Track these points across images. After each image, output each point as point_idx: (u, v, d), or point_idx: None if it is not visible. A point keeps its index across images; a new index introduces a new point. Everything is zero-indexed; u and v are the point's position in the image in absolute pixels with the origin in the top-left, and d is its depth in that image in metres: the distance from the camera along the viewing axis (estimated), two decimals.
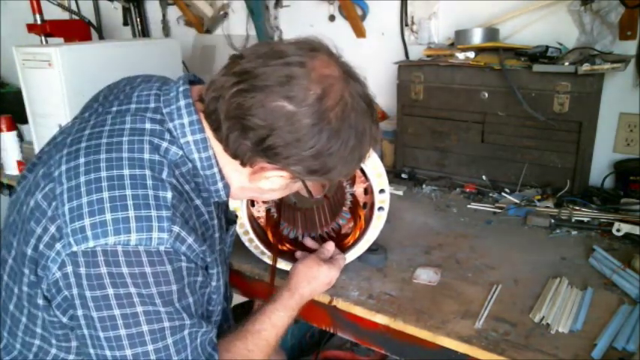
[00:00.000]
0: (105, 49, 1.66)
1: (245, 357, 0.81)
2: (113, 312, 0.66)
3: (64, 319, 0.71)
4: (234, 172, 0.78)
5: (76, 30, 2.17)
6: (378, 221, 1.04)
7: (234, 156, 0.73)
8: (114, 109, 0.77)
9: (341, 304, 0.98)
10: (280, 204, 1.14)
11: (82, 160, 0.69)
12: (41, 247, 0.68)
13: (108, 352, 0.67)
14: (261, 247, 1.06)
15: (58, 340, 0.75)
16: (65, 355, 0.76)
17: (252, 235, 1.04)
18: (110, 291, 0.65)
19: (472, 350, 0.84)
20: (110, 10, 2.53)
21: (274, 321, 0.87)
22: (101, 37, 2.56)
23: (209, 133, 0.74)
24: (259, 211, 1.10)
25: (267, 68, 0.68)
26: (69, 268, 0.66)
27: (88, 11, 2.49)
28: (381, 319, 0.93)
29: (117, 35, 2.57)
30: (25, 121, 1.70)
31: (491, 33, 1.53)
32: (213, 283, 0.80)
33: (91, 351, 0.68)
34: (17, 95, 1.79)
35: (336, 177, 0.77)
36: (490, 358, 0.82)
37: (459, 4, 1.63)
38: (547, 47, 1.34)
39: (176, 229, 0.67)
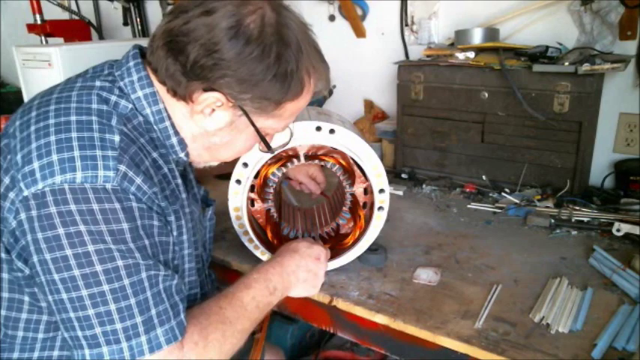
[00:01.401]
0: (105, 49, 1.66)
1: (216, 313, 0.79)
2: (65, 252, 0.66)
3: (27, 271, 0.72)
4: (183, 119, 0.80)
5: (76, 30, 2.17)
6: (378, 221, 1.04)
7: (174, 92, 0.75)
8: (71, 79, 0.80)
9: (341, 304, 0.98)
10: (280, 204, 1.14)
11: (33, 113, 0.72)
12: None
13: (64, 295, 0.66)
14: (261, 247, 1.06)
15: (31, 297, 0.75)
16: (38, 316, 0.76)
17: (252, 235, 1.04)
18: (60, 230, 0.65)
19: (472, 350, 0.84)
20: (110, 10, 2.53)
21: (248, 283, 0.85)
22: (101, 37, 2.56)
23: (157, 87, 0.77)
24: (259, 207, 1.10)
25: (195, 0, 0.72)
26: (22, 215, 0.67)
27: (88, 11, 2.49)
28: (381, 319, 0.93)
29: (117, 35, 2.58)
30: None
31: (491, 33, 1.53)
32: (175, 233, 0.79)
33: (49, 298, 0.68)
34: (17, 95, 1.80)
35: (273, 96, 0.75)
36: (490, 358, 0.82)
37: (459, 4, 1.63)
38: (547, 47, 1.34)
39: (122, 167, 0.68)
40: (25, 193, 0.66)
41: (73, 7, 2.42)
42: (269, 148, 0.85)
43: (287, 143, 0.93)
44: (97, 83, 0.76)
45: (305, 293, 0.95)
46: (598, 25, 1.39)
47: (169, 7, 0.78)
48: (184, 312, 0.74)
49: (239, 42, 0.70)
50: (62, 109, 0.71)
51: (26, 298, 0.75)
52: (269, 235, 1.10)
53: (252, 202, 1.08)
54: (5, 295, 0.75)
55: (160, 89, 0.78)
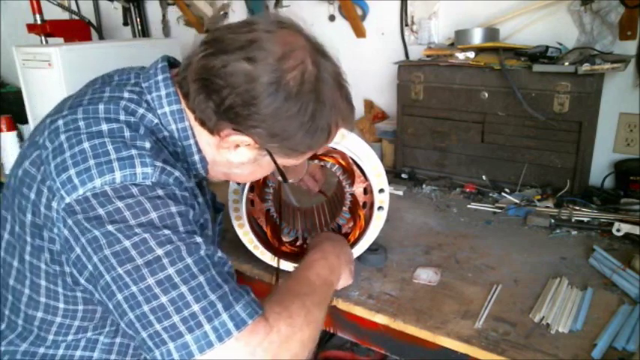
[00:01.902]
0: (105, 49, 1.66)
1: (288, 291, 0.78)
2: (124, 244, 0.65)
3: (82, 280, 0.70)
4: (206, 145, 0.80)
5: (76, 30, 2.17)
6: (378, 221, 1.04)
7: (202, 122, 0.75)
8: (97, 86, 0.80)
9: (341, 304, 0.98)
10: (280, 204, 1.14)
11: (60, 122, 0.72)
12: (42, 209, 0.69)
13: (133, 288, 0.64)
14: (261, 248, 1.06)
15: (66, 302, 0.75)
16: (70, 321, 0.77)
17: (251, 235, 1.04)
18: (111, 227, 0.65)
19: (472, 350, 0.84)
20: (110, 10, 2.53)
21: (308, 263, 0.89)
22: (101, 37, 2.56)
23: (185, 105, 0.77)
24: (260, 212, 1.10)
25: (235, 35, 0.72)
26: (69, 221, 0.66)
27: (88, 11, 2.49)
28: (381, 319, 0.93)
29: (117, 35, 2.58)
30: (25, 121, 1.71)
31: (491, 33, 1.53)
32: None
33: (119, 297, 0.64)
34: (17, 95, 1.80)
35: (300, 148, 0.77)
36: (490, 358, 0.82)
37: (459, 4, 1.63)
38: (547, 47, 1.34)
39: (159, 164, 0.69)
40: (67, 200, 0.66)
41: (73, 7, 2.43)
42: (285, 180, 0.87)
43: (303, 174, 0.98)
44: (125, 94, 0.75)
45: (347, 279, 0.97)
46: (598, 25, 1.39)
47: (206, 35, 0.76)
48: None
49: (278, 99, 0.70)
50: (91, 118, 0.71)
51: (61, 305, 0.76)
52: (269, 235, 1.10)
53: (251, 202, 1.08)
54: (43, 300, 0.76)
55: (186, 107, 0.77)
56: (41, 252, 0.72)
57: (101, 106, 0.73)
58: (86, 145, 0.68)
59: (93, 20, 2.47)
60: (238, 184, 1.01)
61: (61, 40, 2.10)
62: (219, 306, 0.64)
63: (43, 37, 2.03)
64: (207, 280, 0.65)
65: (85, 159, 0.67)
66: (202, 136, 0.79)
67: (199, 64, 0.72)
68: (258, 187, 1.06)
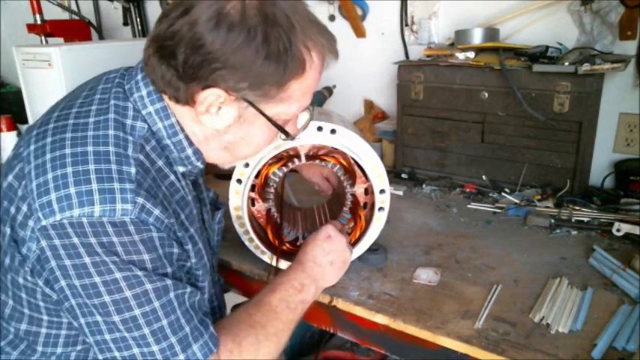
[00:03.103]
0: (105, 49, 1.66)
1: (246, 320, 0.80)
2: (94, 279, 0.67)
3: (54, 296, 0.72)
4: (193, 124, 0.78)
5: (76, 30, 2.17)
6: (378, 221, 1.04)
7: (176, 98, 0.74)
8: (84, 93, 0.79)
9: (341, 304, 0.98)
10: (281, 204, 1.14)
11: (49, 139, 0.71)
12: (17, 226, 0.70)
13: (99, 318, 0.69)
14: (262, 247, 1.06)
15: (49, 315, 0.76)
16: (57, 331, 0.77)
17: (252, 234, 1.04)
18: (86, 259, 0.66)
19: (472, 350, 0.84)
20: (110, 10, 2.53)
21: (273, 287, 0.87)
22: (101, 37, 2.56)
23: (168, 101, 0.76)
24: (260, 211, 1.10)
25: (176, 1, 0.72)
26: (43, 242, 0.67)
27: (88, 11, 2.49)
28: (381, 319, 0.93)
29: (117, 35, 2.57)
30: (25, 121, 1.71)
31: (491, 33, 1.53)
32: (193, 260, 0.81)
33: (82, 321, 0.70)
34: (17, 95, 1.80)
35: (272, 80, 0.71)
36: (490, 358, 0.82)
37: (459, 4, 1.63)
38: (547, 47, 1.34)
39: (140, 200, 0.68)
40: (44, 222, 0.66)
41: (73, 7, 2.42)
42: (287, 135, 0.82)
43: (307, 124, 0.88)
44: (112, 102, 0.75)
45: (338, 276, 0.96)
46: (598, 25, 1.39)
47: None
48: (212, 325, 0.76)
49: (221, 31, 0.67)
50: (79, 137, 0.70)
51: (45, 317, 0.76)
52: (269, 234, 1.10)
53: (252, 201, 1.08)
54: (26, 312, 0.77)
55: (169, 102, 0.77)
56: (20, 266, 0.72)
57: (91, 120, 0.72)
58: (69, 169, 0.67)
59: (93, 20, 2.47)
60: (239, 181, 1.00)
61: (61, 40, 2.10)
62: (178, 348, 0.71)
63: (43, 37, 2.03)
64: (169, 323, 0.71)
65: (66, 184, 0.66)
66: (185, 118, 0.78)
67: (150, 37, 0.73)
68: (260, 186, 1.06)
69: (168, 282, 0.71)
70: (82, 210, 0.65)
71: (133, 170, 0.69)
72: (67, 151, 0.69)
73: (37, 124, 0.76)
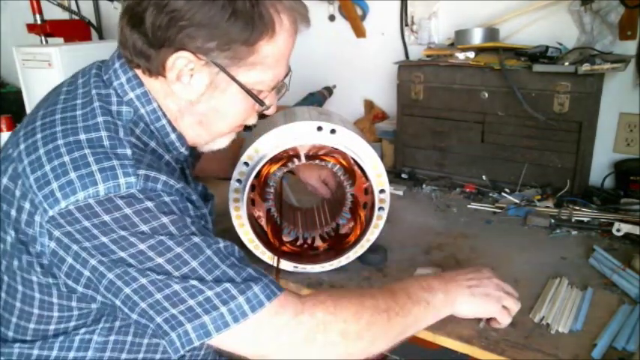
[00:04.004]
0: (105, 49, 1.66)
1: (355, 291, 0.76)
2: (119, 254, 0.65)
3: (80, 288, 0.70)
4: (168, 99, 0.77)
5: (76, 30, 2.17)
6: (378, 221, 1.04)
7: (149, 71, 0.74)
8: (64, 89, 0.79)
9: None
10: (281, 204, 1.14)
11: (39, 135, 0.70)
12: (22, 227, 0.68)
13: (143, 280, 0.65)
14: (262, 247, 1.06)
15: (60, 310, 0.74)
16: (65, 325, 0.76)
17: (252, 235, 1.04)
18: (104, 239, 0.65)
19: (472, 350, 0.84)
20: (110, 10, 2.52)
21: (400, 280, 0.82)
22: (101, 37, 2.56)
23: (142, 76, 0.76)
24: (259, 211, 1.10)
25: None
26: (56, 233, 0.66)
27: (88, 11, 2.49)
28: None
29: (117, 35, 2.57)
30: None
31: (491, 33, 1.53)
32: (210, 226, 0.80)
33: (127, 290, 0.66)
34: (17, 95, 1.80)
35: (240, 38, 0.70)
36: (490, 358, 0.82)
37: (459, 4, 1.63)
38: (547, 47, 1.34)
39: (142, 172, 0.67)
40: (51, 213, 0.65)
41: (73, 7, 2.42)
42: (262, 104, 0.79)
43: (282, 95, 0.85)
44: (94, 91, 0.75)
45: (473, 307, 0.84)
46: (598, 25, 1.39)
47: None
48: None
49: None
50: (69, 129, 0.70)
51: (55, 314, 0.75)
52: (269, 235, 1.10)
53: (252, 201, 1.08)
54: (36, 311, 0.75)
55: (146, 81, 0.76)
56: (31, 267, 0.71)
57: (78, 113, 0.72)
58: (66, 158, 0.66)
59: (93, 20, 2.47)
60: (239, 181, 1.00)
61: (61, 40, 2.10)
62: (234, 291, 0.67)
63: (43, 37, 2.03)
64: (215, 278, 0.67)
65: (65, 172, 0.65)
66: (159, 91, 0.76)
67: (123, 9, 0.73)
68: (259, 186, 1.06)
69: (197, 239, 0.68)
70: (87, 192, 0.64)
71: (128, 152, 0.69)
72: (60, 142, 0.68)
73: (23, 125, 0.75)
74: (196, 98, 0.76)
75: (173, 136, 0.79)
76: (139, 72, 0.76)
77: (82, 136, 0.69)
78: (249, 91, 0.76)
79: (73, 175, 0.65)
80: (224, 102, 0.77)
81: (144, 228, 0.66)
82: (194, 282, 0.66)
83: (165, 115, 0.78)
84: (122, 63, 0.77)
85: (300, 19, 0.76)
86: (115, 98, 0.75)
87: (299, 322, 0.69)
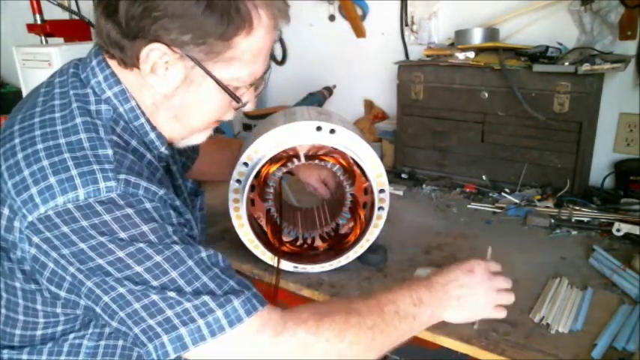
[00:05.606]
0: None
1: (341, 304, 0.73)
2: (97, 261, 0.64)
3: (63, 293, 0.69)
4: (143, 91, 0.75)
5: (76, 30, 2.17)
6: (378, 221, 1.04)
7: (124, 61, 0.72)
8: (42, 90, 0.78)
9: None
10: (281, 204, 1.14)
11: (17, 140, 0.69)
12: (2, 233, 0.68)
13: (122, 289, 0.65)
14: (261, 247, 1.06)
15: (46, 317, 0.73)
16: (53, 329, 0.75)
17: (252, 235, 1.04)
18: (82, 245, 0.64)
19: (472, 350, 0.84)
20: None
21: (391, 290, 0.79)
22: None
23: (116, 68, 0.74)
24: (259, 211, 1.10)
25: None
26: (36, 239, 0.65)
27: (88, 11, 2.48)
28: None
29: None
30: None
31: (491, 33, 1.53)
32: (195, 231, 0.77)
33: (106, 298, 0.65)
34: (17, 95, 1.80)
35: (216, 31, 0.68)
36: (490, 358, 0.82)
37: (459, 4, 1.63)
38: (547, 47, 1.34)
39: (122, 176, 0.66)
40: (30, 218, 0.64)
41: (73, 7, 2.42)
42: (238, 100, 0.77)
43: (259, 92, 0.82)
44: (71, 92, 0.74)
45: (461, 316, 0.83)
46: (598, 25, 1.39)
47: None
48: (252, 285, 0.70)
49: None
50: (49, 132, 0.68)
51: (41, 320, 0.74)
52: (269, 235, 1.10)
53: (252, 201, 1.08)
54: (21, 318, 0.74)
55: (122, 75, 0.74)
56: (13, 273, 0.70)
57: (57, 116, 0.71)
58: (45, 162, 0.65)
59: (93, 20, 2.47)
60: (239, 181, 1.00)
61: (61, 40, 2.10)
62: (213, 304, 0.66)
63: (43, 37, 2.03)
64: (195, 291, 0.66)
65: (45, 176, 0.64)
66: (134, 84, 0.75)
67: (97, 1, 0.71)
68: (259, 186, 1.06)
69: (178, 248, 0.67)
70: (66, 196, 0.63)
71: (109, 152, 0.68)
72: (39, 146, 0.67)
73: (1, 129, 0.74)
74: (171, 92, 0.74)
75: (152, 135, 0.77)
76: (113, 64, 0.74)
77: (62, 140, 0.67)
78: (225, 87, 0.74)
79: (52, 179, 0.64)
80: (199, 97, 0.75)
81: (123, 235, 0.65)
82: (172, 293, 0.65)
83: (143, 114, 0.76)
84: (99, 60, 0.75)
85: (279, 15, 0.74)
86: (93, 97, 0.73)
87: (279, 342, 0.68)
